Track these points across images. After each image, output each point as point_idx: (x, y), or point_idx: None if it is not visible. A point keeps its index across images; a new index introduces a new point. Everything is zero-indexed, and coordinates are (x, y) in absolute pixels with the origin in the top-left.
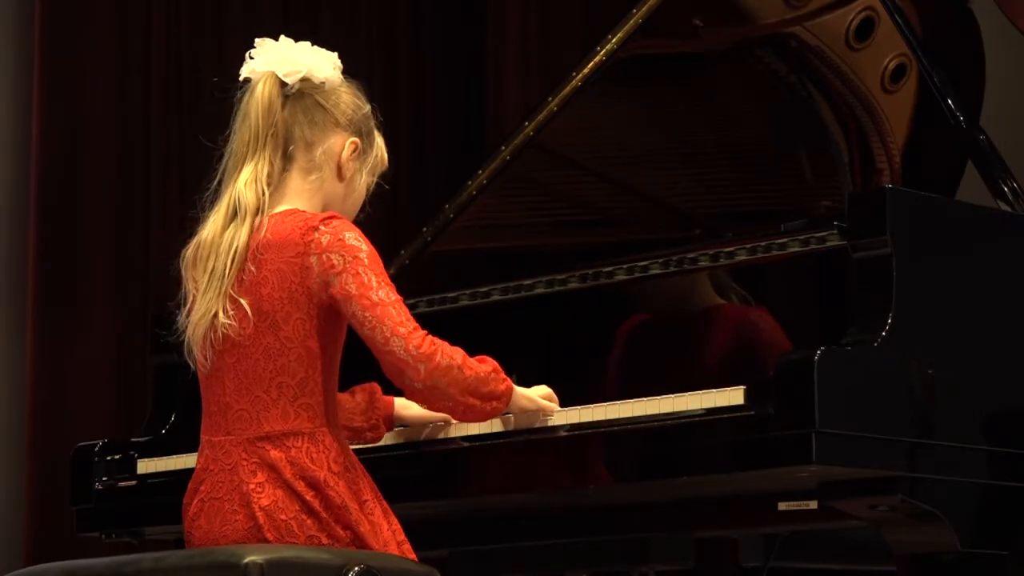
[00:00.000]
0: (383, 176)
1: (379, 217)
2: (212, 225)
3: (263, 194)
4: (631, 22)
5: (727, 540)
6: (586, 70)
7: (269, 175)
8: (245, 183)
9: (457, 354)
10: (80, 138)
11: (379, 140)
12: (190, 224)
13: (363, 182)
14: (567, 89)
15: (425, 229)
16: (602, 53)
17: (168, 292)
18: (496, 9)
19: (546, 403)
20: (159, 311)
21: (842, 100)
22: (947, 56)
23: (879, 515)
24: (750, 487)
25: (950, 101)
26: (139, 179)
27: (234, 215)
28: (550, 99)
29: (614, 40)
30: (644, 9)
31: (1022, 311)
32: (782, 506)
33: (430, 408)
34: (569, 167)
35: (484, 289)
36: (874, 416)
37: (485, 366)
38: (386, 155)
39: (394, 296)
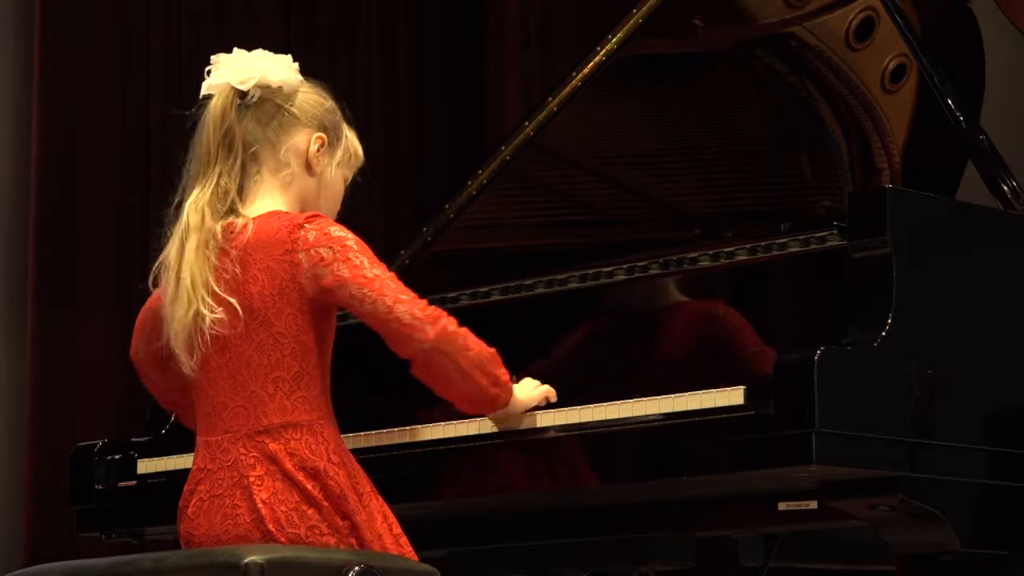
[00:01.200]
0: (360, 171)
1: (379, 217)
2: (171, 244)
3: (210, 215)
4: (631, 22)
5: (727, 540)
6: (586, 70)
7: (226, 188)
8: (191, 205)
9: (462, 328)
10: (80, 138)
11: (349, 134)
12: (157, 242)
13: (337, 176)
14: (567, 89)
15: (425, 229)
16: (602, 53)
17: None
18: (496, 9)
19: (546, 388)
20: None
21: (842, 100)
22: (947, 56)
23: (879, 515)
24: (750, 487)
25: (950, 101)
26: (139, 179)
27: (186, 236)
28: (550, 99)
29: (614, 40)
30: (644, 9)
31: (1022, 311)
32: (782, 506)
33: (432, 383)
34: (569, 167)
35: (484, 289)
36: (874, 416)
37: (490, 348)
38: (359, 148)
39: (389, 272)
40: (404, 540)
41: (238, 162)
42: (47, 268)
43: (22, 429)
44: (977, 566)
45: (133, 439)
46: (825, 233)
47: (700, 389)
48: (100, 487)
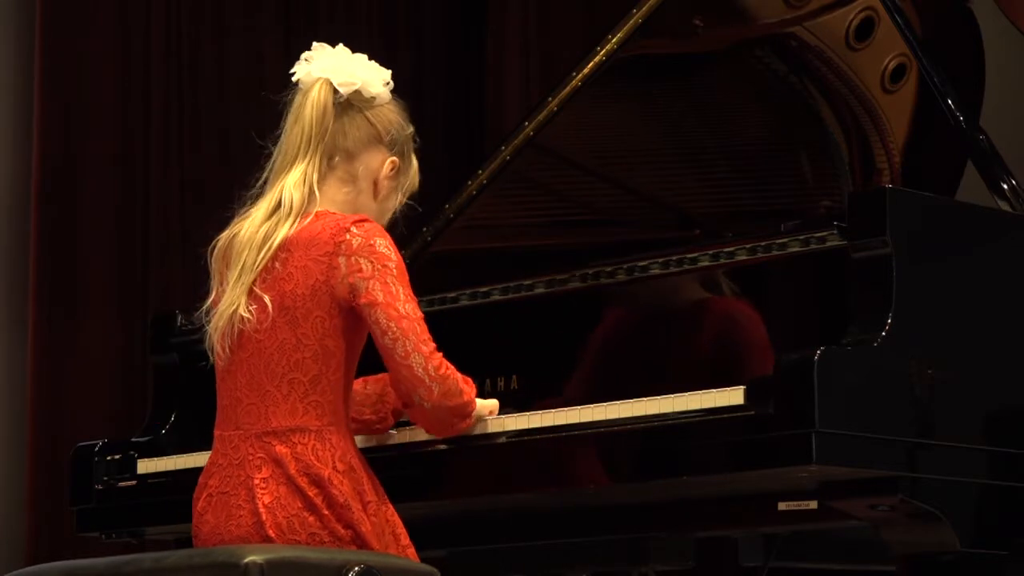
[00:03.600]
0: (412, 196)
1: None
2: (251, 221)
3: (309, 195)
4: (631, 22)
5: (727, 540)
6: (586, 70)
7: (318, 179)
8: (294, 183)
9: (460, 379)
10: (80, 137)
11: (415, 163)
12: (226, 216)
13: (394, 201)
14: (567, 89)
15: (425, 229)
16: (602, 53)
17: (168, 292)
18: (496, 9)
19: (488, 403)
20: (159, 311)
21: (842, 100)
22: (947, 56)
23: (879, 515)
24: (750, 487)
25: (950, 101)
26: (139, 179)
27: (275, 211)
28: (550, 99)
29: (614, 40)
30: (644, 9)
31: (1022, 311)
32: (782, 506)
33: (416, 423)
34: (569, 167)
35: (484, 289)
36: (874, 416)
37: (471, 390)
38: (417, 177)
39: (419, 312)
40: (412, 551)
41: (325, 160)
42: (47, 268)
43: (23, 429)
44: (977, 566)
45: (133, 439)
46: (825, 233)
47: (700, 389)
48: (100, 487)
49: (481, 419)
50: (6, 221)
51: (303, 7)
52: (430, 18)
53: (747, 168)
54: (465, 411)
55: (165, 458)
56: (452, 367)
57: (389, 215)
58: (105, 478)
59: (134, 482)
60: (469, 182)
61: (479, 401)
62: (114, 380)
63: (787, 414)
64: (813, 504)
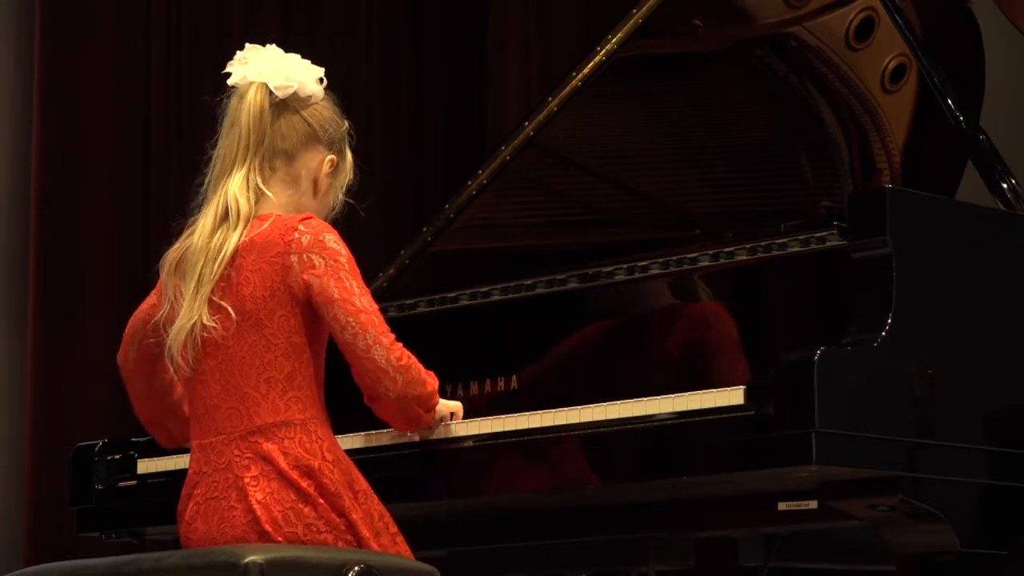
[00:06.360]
0: (354, 195)
1: (379, 217)
2: (200, 231)
3: (257, 199)
4: (631, 22)
5: (727, 540)
6: (586, 70)
7: (259, 182)
8: (238, 188)
9: (422, 369)
10: (80, 139)
11: (349, 156)
12: (176, 229)
13: (333, 197)
14: (567, 89)
15: (425, 229)
16: (602, 53)
17: None
18: (496, 9)
19: (453, 405)
20: None
21: (842, 100)
22: (947, 56)
23: (879, 515)
24: (750, 487)
25: (950, 101)
26: (139, 179)
27: (223, 219)
28: (550, 99)
29: (614, 40)
30: (644, 9)
31: (1022, 311)
32: (782, 506)
33: (382, 417)
34: (569, 167)
35: (484, 289)
36: (874, 416)
37: (434, 381)
38: (352, 168)
39: (374, 305)
40: (401, 539)
41: (265, 163)
42: (47, 268)
43: (22, 429)
44: (977, 566)
45: (133, 439)
46: (825, 233)
47: (700, 389)
48: (100, 487)
49: (444, 421)
50: (6, 221)
51: (303, 7)
52: (430, 18)
53: (747, 168)
54: (429, 402)
55: (165, 458)
56: (413, 357)
57: (330, 211)
58: (105, 478)
59: (134, 482)
60: (469, 182)
61: (442, 401)
62: (114, 380)
63: (787, 414)
64: (813, 504)
